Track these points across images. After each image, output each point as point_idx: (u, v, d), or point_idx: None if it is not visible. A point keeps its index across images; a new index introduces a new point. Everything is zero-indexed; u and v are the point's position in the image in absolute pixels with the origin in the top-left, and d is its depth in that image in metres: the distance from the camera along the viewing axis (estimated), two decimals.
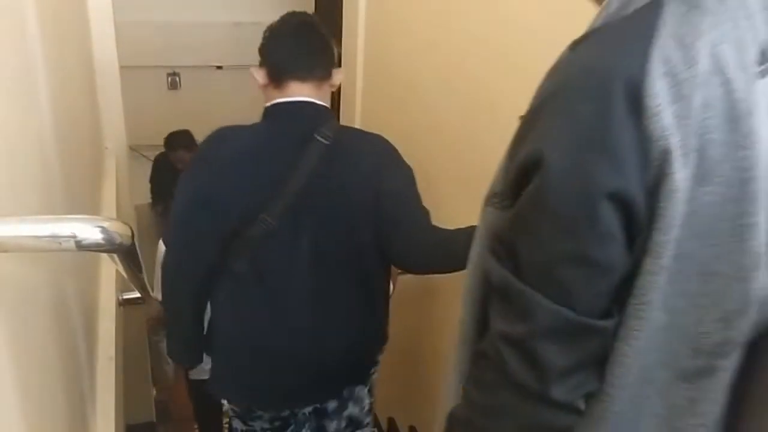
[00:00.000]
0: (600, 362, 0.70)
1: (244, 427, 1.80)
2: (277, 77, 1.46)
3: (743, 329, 0.68)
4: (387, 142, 1.58)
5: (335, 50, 1.55)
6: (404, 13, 2.35)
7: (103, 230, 0.68)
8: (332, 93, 1.62)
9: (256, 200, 1.45)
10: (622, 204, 0.63)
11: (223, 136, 1.49)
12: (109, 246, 0.69)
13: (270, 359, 1.62)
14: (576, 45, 0.70)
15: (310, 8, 4.85)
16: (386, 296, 1.74)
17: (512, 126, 0.76)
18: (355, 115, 2.82)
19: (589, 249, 0.65)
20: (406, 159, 1.57)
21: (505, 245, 0.72)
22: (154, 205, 4.08)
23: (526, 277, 0.68)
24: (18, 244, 0.65)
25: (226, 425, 2.44)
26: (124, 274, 1.20)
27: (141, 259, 1.08)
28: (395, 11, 2.45)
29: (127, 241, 0.72)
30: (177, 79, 4.94)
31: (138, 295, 1.77)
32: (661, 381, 0.70)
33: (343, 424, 1.80)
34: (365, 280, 1.61)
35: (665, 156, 0.61)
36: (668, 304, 0.66)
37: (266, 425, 1.78)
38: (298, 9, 5.36)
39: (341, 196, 1.49)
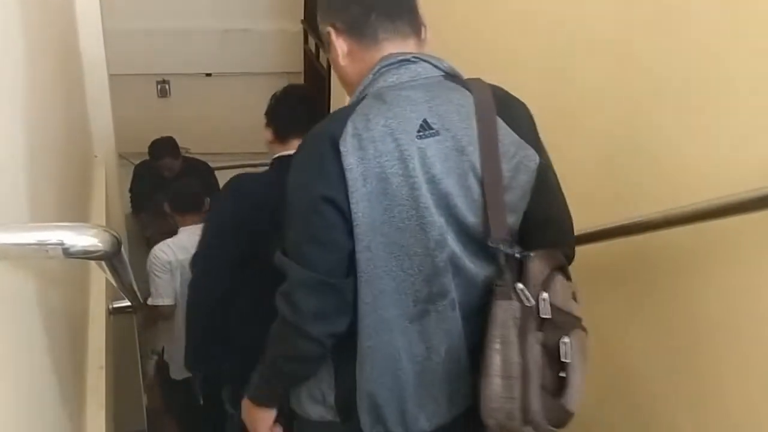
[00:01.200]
0: (345, 312, 1.08)
1: None
2: (283, 135, 1.80)
3: (441, 287, 1.09)
4: None
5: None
6: None
7: (91, 238, 0.68)
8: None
9: (274, 229, 1.61)
10: (335, 205, 1.03)
11: (244, 180, 1.86)
12: (97, 254, 0.69)
13: None
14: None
15: (299, 15, 4.86)
16: None
17: None
18: None
19: (318, 233, 1.06)
20: None
21: (284, 242, 1.11)
22: (135, 213, 4.06)
23: (289, 256, 1.08)
24: (4, 252, 0.65)
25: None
26: (112, 282, 1.20)
27: (130, 267, 1.08)
28: None
29: (114, 249, 0.72)
30: (167, 86, 4.93)
31: (128, 303, 1.77)
32: (400, 323, 1.10)
33: None
34: None
35: (352, 182, 1.02)
36: (392, 275, 1.07)
37: None
38: (286, 15, 5.30)
39: None
